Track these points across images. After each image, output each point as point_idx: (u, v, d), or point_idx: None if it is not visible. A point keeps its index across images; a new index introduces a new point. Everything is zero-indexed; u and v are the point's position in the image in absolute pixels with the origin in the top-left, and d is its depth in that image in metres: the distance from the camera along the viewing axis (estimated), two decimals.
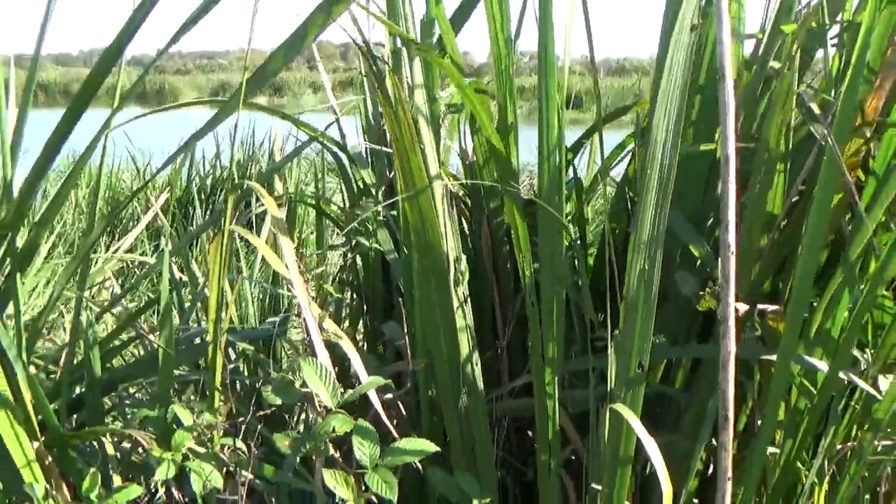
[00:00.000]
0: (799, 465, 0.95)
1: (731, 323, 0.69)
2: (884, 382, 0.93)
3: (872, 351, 0.93)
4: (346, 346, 0.82)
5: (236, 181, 4.37)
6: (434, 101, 0.98)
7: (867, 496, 1.02)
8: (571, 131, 1.26)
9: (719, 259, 0.73)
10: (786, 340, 0.84)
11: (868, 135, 0.91)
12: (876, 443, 0.89)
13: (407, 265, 1.04)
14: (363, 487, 0.69)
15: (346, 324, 1.40)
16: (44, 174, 1.01)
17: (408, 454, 0.73)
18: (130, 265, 3.10)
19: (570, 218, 1.17)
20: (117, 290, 2.24)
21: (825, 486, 0.95)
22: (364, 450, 0.70)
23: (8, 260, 1.00)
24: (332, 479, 0.69)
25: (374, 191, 1.23)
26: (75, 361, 1.17)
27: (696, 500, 1.09)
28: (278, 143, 4.42)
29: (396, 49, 0.99)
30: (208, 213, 4.29)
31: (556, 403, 0.94)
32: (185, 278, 1.61)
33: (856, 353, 0.95)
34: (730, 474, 0.74)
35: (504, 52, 0.94)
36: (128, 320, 1.31)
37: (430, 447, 0.75)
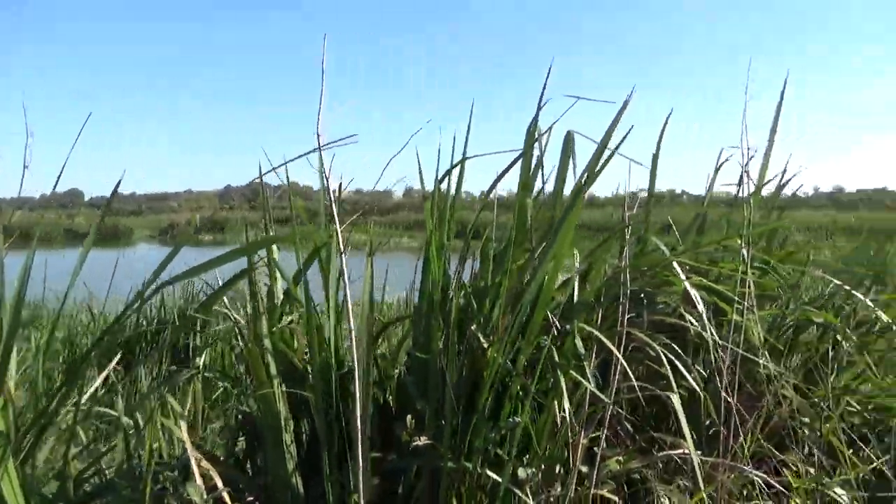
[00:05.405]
0: None
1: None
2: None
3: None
4: (215, 476, 1.56)
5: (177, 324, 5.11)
6: (273, 334, 1.80)
7: None
8: None
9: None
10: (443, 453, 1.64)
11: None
12: None
13: (260, 420, 1.81)
14: None
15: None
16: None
17: None
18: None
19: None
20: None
21: None
22: None
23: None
24: None
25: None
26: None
27: None
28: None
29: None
30: (151, 350, 4.97)
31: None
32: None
33: None
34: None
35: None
36: (90, 465, 2.02)
37: None
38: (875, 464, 1.75)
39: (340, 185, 1.76)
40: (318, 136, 1.39)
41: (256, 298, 1.81)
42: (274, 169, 1.49)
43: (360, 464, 1.30)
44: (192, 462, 1.48)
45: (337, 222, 1.37)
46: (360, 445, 1.30)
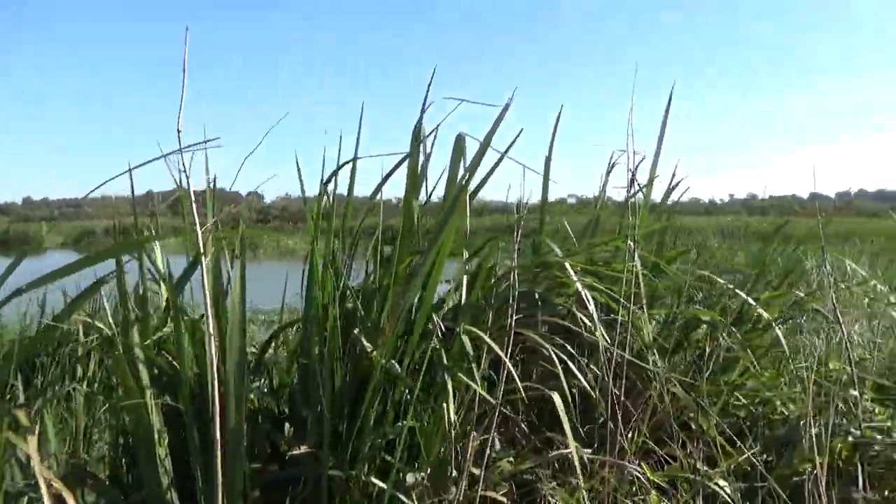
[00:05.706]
0: None
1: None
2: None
3: None
4: (68, 497, 1.47)
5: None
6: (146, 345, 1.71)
7: None
8: None
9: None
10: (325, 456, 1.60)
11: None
12: None
13: (132, 433, 1.71)
14: None
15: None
16: None
17: None
18: None
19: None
20: None
21: None
22: None
23: None
24: None
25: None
26: None
27: None
28: None
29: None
30: (54, 365, 4.68)
31: None
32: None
33: None
34: None
35: None
36: None
37: None
38: (747, 454, 1.81)
39: (214, 184, 1.70)
40: (179, 132, 1.33)
41: (126, 306, 1.72)
42: (125, 171, 1.42)
43: (219, 475, 1.25)
44: (41, 482, 1.38)
45: (198, 225, 1.32)
46: (217, 455, 1.25)
